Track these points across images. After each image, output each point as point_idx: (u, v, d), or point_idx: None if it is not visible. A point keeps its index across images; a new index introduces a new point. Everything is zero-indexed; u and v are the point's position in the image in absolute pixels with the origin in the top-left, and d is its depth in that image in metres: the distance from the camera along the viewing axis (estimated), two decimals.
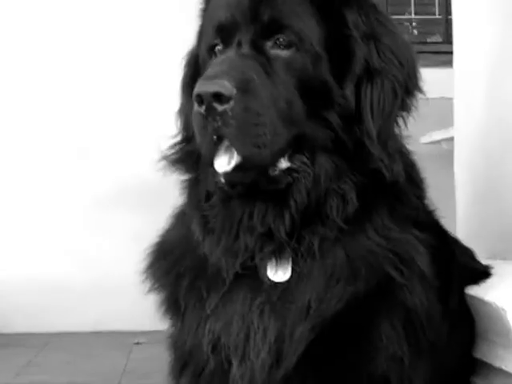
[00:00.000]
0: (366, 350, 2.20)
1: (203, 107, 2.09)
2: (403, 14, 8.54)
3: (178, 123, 2.51)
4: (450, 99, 3.66)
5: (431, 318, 2.27)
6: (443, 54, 6.23)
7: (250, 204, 2.24)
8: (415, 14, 8.59)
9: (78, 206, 5.86)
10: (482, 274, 2.68)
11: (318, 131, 2.22)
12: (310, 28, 2.24)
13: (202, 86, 2.10)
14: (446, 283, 2.37)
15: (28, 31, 5.82)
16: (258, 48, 2.23)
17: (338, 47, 2.26)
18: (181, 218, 2.48)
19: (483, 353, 2.63)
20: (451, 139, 3.78)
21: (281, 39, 2.23)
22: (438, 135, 5.66)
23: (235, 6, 2.27)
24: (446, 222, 2.58)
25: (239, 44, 2.24)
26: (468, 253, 2.71)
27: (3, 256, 5.78)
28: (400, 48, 2.31)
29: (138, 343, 5.20)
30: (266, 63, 2.20)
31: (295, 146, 2.22)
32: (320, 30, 2.25)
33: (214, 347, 2.28)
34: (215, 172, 2.19)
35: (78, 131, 5.86)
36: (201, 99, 2.09)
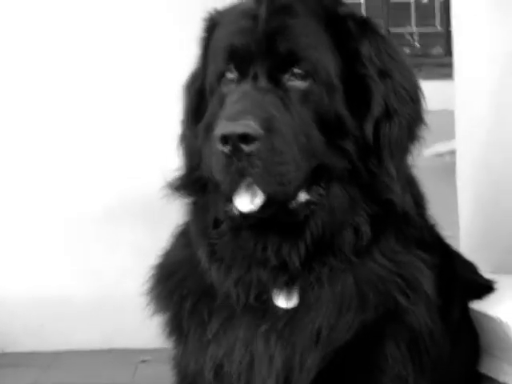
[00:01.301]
0: (373, 371, 2.20)
1: (228, 147, 2.07)
2: (404, 27, 8.58)
3: (181, 153, 2.48)
4: (453, 111, 3.65)
5: (434, 337, 2.27)
6: (445, 67, 6.25)
7: (263, 236, 2.22)
8: (416, 26, 8.62)
9: (83, 221, 5.82)
10: (486, 288, 2.68)
11: (335, 161, 2.21)
12: (327, 59, 2.24)
13: (227, 127, 2.07)
14: (447, 300, 2.37)
15: (30, 34, 5.78)
16: (275, 81, 2.21)
17: (353, 81, 2.26)
18: (182, 239, 2.47)
19: (488, 368, 2.62)
20: (454, 152, 3.77)
21: (298, 71, 2.22)
22: (440, 148, 5.67)
23: (249, 34, 2.25)
24: (448, 234, 2.58)
25: (255, 76, 2.22)
26: (470, 267, 2.70)
27: (7, 275, 5.76)
28: (410, 82, 2.33)
29: (143, 361, 5.17)
30: (284, 97, 2.19)
31: (312, 178, 2.21)
32: (336, 62, 2.25)
33: (216, 373, 2.27)
34: (226, 201, 2.18)
35: (82, 144, 5.83)
36: (226, 140, 2.07)
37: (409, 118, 2.28)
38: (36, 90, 5.81)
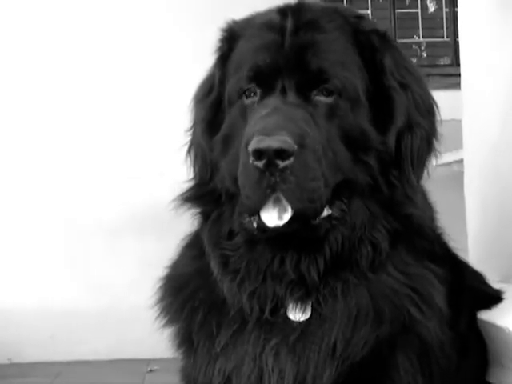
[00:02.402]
0: (385, 383, 2.21)
1: (262, 162, 2.05)
2: (412, 37, 8.60)
3: (193, 165, 2.46)
4: (460, 121, 3.65)
5: (444, 348, 2.28)
6: (452, 77, 6.25)
7: (281, 250, 2.22)
8: (423, 37, 8.65)
9: (90, 234, 5.84)
10: (494, 298, 2.66)
11: (358, 176, 2.22)
12: (354, 76, 2.25)
13: (262, 142, 2.05)
14: (456, 310, 2.37)
15: (32, 37, 5.79)
16: (304, 96, 2.21)
17: (377, 94, 2.27)
18: (191, 250, 2.46)
19: (497, 378, 2.60)
20: (461, 161, 3.77)
21: (326, 86, 2.23)
22: (448, 157, 5.65)
23: (276, 48, 2.25)
24: (457, 247, 2.58)
25: (283, 91, 2.21)
26: (479, 277, 2.69)
27: (14, 285, 5.77)
28: (426, 94, 2.35)
29: (151, 371, 5.17)
30: (313, 112, 2.19)
31: (335, 193, 2.21)
32: (362, 78, 2.27)
33: None
34: (249, 214, 2.18)
35: (89, 157, 5.86)
36: (260, 154, 2.05)
37: (427, 130, 2.31)
38: (48, 101, 5.86)
